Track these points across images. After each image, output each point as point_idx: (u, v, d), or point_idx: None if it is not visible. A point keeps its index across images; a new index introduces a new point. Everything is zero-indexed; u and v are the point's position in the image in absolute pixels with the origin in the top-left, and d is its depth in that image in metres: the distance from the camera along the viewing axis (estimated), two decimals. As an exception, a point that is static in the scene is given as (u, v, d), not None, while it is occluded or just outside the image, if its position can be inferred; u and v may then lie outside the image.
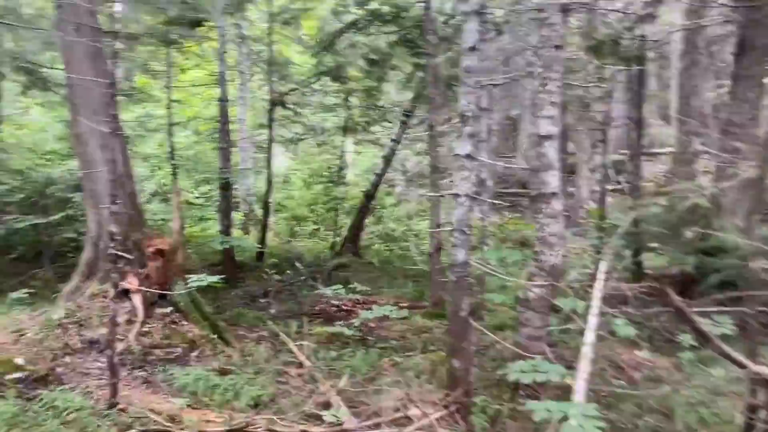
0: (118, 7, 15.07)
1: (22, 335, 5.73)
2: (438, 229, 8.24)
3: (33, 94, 12.62)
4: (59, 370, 5.31)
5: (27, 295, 7.91)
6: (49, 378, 5.09)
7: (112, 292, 5.20)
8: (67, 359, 5.53)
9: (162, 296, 6.52)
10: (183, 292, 6.65)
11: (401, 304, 8.25)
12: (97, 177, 6.64)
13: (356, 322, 7.22)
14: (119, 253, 4.92)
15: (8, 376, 4.91)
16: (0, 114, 12.74)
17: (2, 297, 9.06)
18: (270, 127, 12.88)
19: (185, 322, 6.54)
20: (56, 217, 10.33)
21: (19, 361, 5.16)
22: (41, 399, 4.66)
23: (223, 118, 11.16)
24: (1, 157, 12.81)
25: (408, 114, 13.16)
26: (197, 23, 11.93)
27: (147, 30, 11.65)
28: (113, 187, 5.03)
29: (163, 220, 12.11)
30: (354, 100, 13.74)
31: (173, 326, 6.38)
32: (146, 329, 6.17)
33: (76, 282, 6.81)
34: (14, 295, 7.96)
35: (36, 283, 10.08)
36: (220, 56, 11.54)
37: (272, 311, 8.46)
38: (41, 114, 14.25)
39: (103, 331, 5.84)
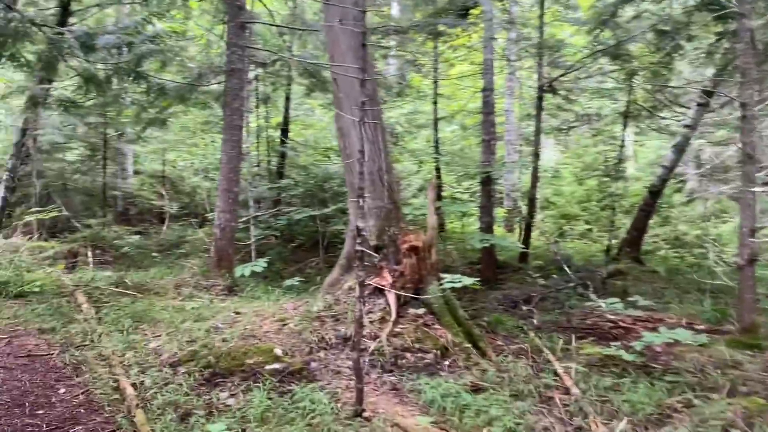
0: (394, 11, 15.86)
1: (285, 324, 5.95)
2: (752, 236, 6.43)
3: (315, 96, 13.86)
4: (313, 365, 5.33)
5: (299, 282, 8.51)
6: (303, 373, 5.12)
7: (357, 289, 5.00)
8: (322, 354, 5.54)
9: (415, 296, 6.23)
10: (437, 293, 6.30)
11: (696, 326, 6.78)
12: (357, 170, 6.64)
13: (637, 345, 5.99)
14: (366, 249, 4.67)
15: (267, 367, 5.05)
16: (289, 115, 14.27)
17: (280, 281, 10.04)
18: (538, 116, 11.97)
19: (438, 326, 6.13)
20: (330, 209, 11.08)
21: (278, 351, 5.31)
22: (293, 396, 4.65)
23: (488, 109, 10.65)
24: (289, 155, 14.46)
25: (708, 94, 10.98)
26: (465, 11, 11.66)
27: (415, 23, 11.73)
28: (363, 180, 4.79)
29: (423, 215, 12.15)
30: (638, 82, 11.99)
31: (425, 329, 6.02)
32: (398, 330, 5.92)
33: (336, 274, 6.95)
34: (288, 282, 8.62)
35: (310, 271, 10.97)
36: (486, 44, 11.06)
37: (534, 321, 7.61)
38: (322, 114, 15.62)
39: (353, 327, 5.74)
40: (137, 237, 12.91)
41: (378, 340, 5.69)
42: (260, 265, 8.25)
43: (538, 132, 12.10)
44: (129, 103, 10.31)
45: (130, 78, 7.96)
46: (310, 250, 12.31)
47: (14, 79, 12.23)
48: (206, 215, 13.83)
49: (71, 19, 9.08)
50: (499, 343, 6.64)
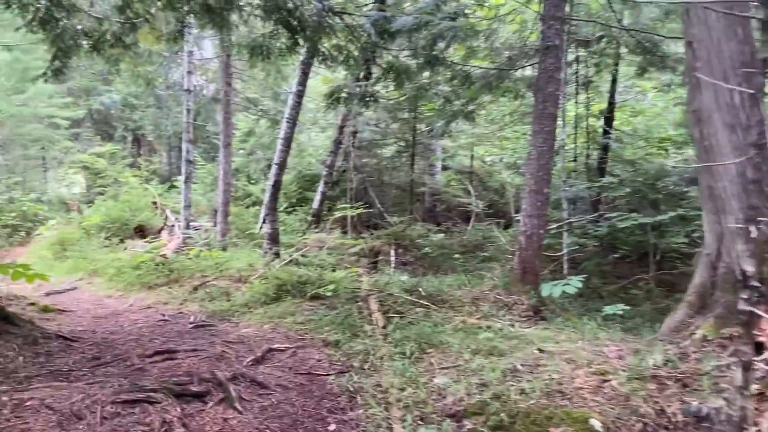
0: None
1: (606, 380, 4.47)
2: None
3: (649, 76, 11.68)
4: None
5: (622, 312, 6.86)
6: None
7: (734, 347, 3.30)
8: (662, 435, 3.93)
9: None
10: None
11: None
12: (721, 171, 4.76)
13: None
14: (752, 299, 2.96)
15: (578, 444, 3.70)
16: (614, 100, 12.33)
17: (597, 302, 8.43)
18: None
19: None
20: (665, 216, 9.01)
21: (596, 425, 3.89)
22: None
23: None
24: (613, 147, 12.54)
25: None
26: None
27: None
28: (747, 191, 3.05)
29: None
30: None
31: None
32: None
33: (682, 314, 5.15)
34: (608, 309, 7.02)
35: (636, 292, 9.08)
36: None
37: None
38: (657, 98, 13.23)
39: (716, 402, 3.98)
40: (440, 236, 12.63)
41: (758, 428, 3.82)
42: (574, 285, 6.86)
43: None
44: (434, 95, 9.88)
45: (429, 64, 7.32)
46: (636, 265, 10.33)
47: (337, 77, 13.08)
48: (514, 216, 12.87)
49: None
50: None
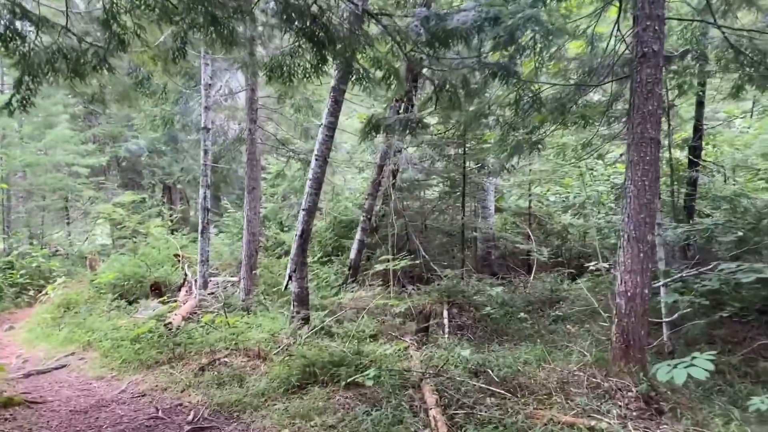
0: None
1: None
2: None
3: (745, 95, 9.89)
4: None
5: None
6: None
7: None
8: None
9: None
10: None
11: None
12: None
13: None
14: None
15: None
16: (701, 125, 10.51)
17: (719, 379, 6.55)
18: None
19: None
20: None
21: None
22: None
23: None
24: (702, 182, 10.70)
25: None
26: None
27: None
28: None
29: None
30: None
31: None
32: None
33: None
34: (758, 401, 5.13)
35: (764, 364, 7.14)
36: None
37: None
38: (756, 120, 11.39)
39: None
40: (499, 289, 10.83)
41: None
42: (702, 365, 5.10)
43: None
44: (489, 124, 8.23)
45: (499, 76, 5.71)
46: (752, 325, 8.38)
47: (377, 111, 11.66)
48: (585, 264, 11.03)
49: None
50: None
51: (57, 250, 16.80)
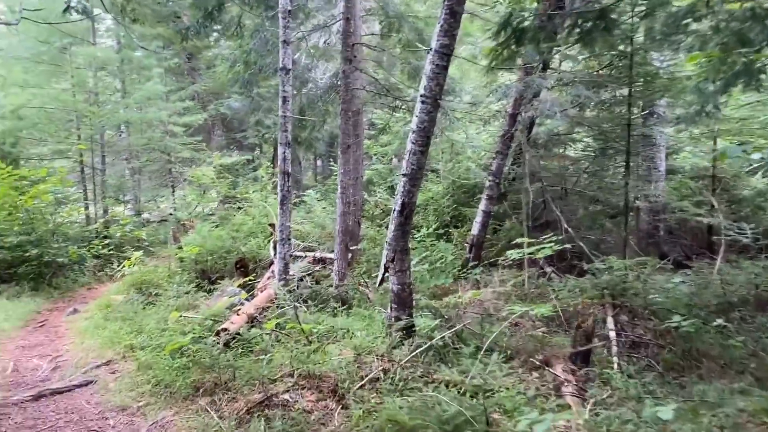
0: None
1: None
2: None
3: None
4: None
5: None
6: None
7: None
8: None
9: None
10: None
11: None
12: None
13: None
14: None
15: None
16: None
17: None
18: None
19: None
20: None
21: None
22: None
23: None
24: None
25: None
26: None
27: None
28: None
29: None
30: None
31: None
32: None
33: None
34: None
35: None
36: None
37: None
38: None
39: None
40: (679, 282, 7.88)
41: None
42: None
43: None
44: (708, 33, 5.20)
45: None
46: None
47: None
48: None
49: None
50: None
51: (148, 218, 15.77)
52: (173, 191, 18.15)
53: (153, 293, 8.98)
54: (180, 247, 10.94)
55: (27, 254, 10.35)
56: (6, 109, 12.44)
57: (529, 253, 6.78)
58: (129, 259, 10.61)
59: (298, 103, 10.62)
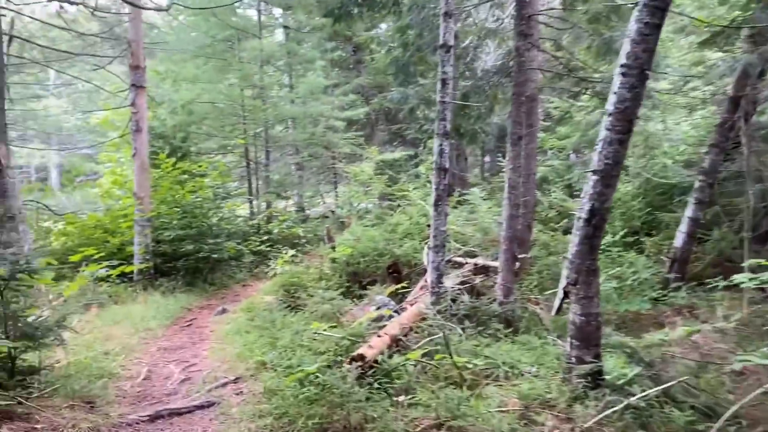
0: None
1: None
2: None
3: None
4: None
5: None
6: None
7: None
8: None
9: None
10: None
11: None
12: None
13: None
14: None
15: None
16: None
17: None
18: None
19: None
20: None
21: None
22: None
23: None
24: None
25: None
26: None
27: None
28: None
29: None
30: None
31: None
32: None
33: None
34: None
35: None
36: None
37: None
38: None
39: None
40: None
41: None
42: None
43: None
44: None
45: None
46: None
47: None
48: None
49: None
50: None
51: (309, 214, 15.55)
52: (335, 187, 17.92)
53: (299, 296, 8.41)
54: (333, 248, 10.35)
55: (184, 249, 10.38)
56: (177, 104, 12.77)
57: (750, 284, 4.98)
58: (281, 256, 10.22)
59: (461, 89, 9.45)
